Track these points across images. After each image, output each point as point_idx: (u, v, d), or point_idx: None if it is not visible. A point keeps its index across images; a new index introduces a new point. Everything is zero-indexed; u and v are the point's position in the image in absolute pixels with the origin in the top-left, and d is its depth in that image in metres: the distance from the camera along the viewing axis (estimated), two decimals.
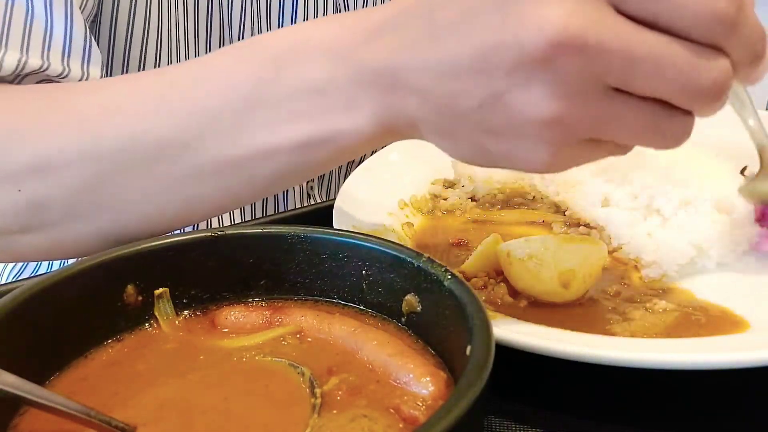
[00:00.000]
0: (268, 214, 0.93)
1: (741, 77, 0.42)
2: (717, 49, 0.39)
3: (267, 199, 0.92)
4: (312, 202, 0.98)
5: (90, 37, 0.67)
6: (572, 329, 0.52)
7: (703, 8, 0.38)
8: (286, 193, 0.94)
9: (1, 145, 0.54)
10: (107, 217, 0.54)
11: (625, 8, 0.38)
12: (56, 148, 0.52)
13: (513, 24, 0.38)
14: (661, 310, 0.56)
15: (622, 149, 0.45)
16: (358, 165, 0.80)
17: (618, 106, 0.40)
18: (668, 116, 0.41)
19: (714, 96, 0.40)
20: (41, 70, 0.62)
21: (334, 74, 0.44)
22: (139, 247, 0.46)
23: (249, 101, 0.46)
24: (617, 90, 0.40)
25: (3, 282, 0.97)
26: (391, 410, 0.38)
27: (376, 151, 0.84)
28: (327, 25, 0.46)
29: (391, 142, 0.48)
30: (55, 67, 0.63)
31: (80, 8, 0.68)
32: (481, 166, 0.48)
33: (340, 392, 0.40)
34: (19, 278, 0.96)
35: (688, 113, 0.42)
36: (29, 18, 0.62)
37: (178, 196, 0.51)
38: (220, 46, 0.85)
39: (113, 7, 0.76)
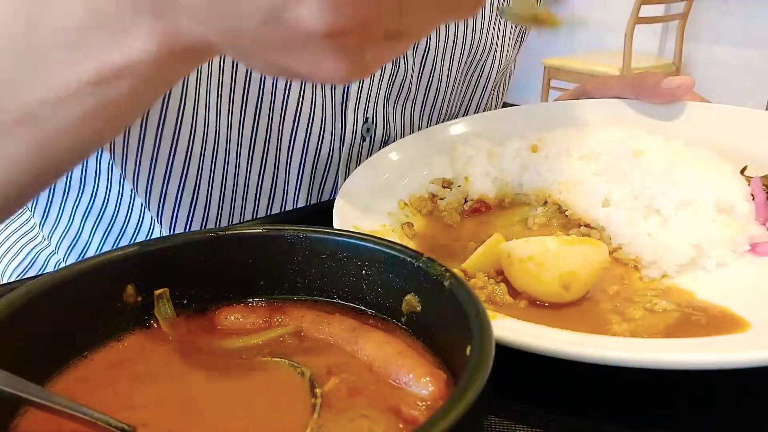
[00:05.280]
0: (268, 214, 0.93)
1: None
2: None
3: (265, 199, 0.93)
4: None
5: None
6: (572, 329, 0.52)
7: None
8: (285, 192, 0.94)
9: None
10: None
11: None
12: None
13: None
14: (661, 310, 0.56)
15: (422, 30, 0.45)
16: (358, 165, 0.80)
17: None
18: None
19: None
20: None
21: (99, 5, 0.42)
22: (139, 247, 0.46)
23: (33, 50, 0.44)
24: None
25: (3, 282, 0.97)
26: (391, 410, 0.38)
27: (375, 151, 0.84)
28: None
29: (193, 64, 0.48)
30: None
31: None
32: (290, 78, 0.47)
33: (340, 392, 0.40)
34: (20, 278, 0.96)
35: None
36: None
37: None
38: (256, 109, 0.84)
39: None
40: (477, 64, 1.01)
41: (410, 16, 0.41)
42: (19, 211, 1.00)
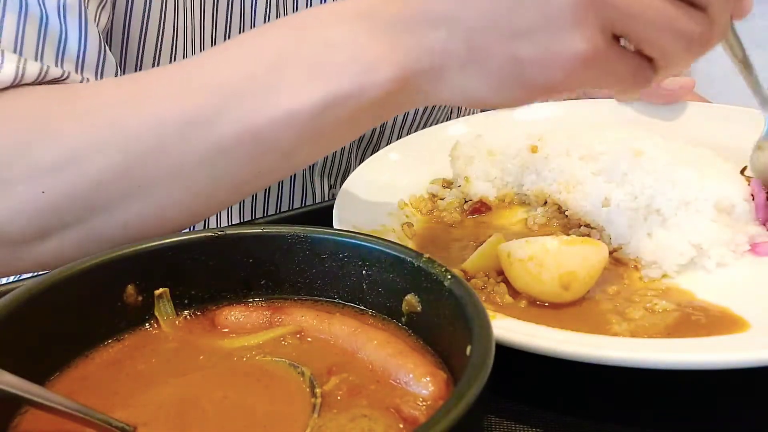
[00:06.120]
0: (268, 214, 0.93)
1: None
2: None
3: (266, 198, 0.93)
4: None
5: (105, 49, 0.66)
6: (572, 329, 0.52)
7: None
8: (292, 191, 0.94)
9: (25, 146, 0.52)
10: (134, 208, 0.53)
11: None
12: (81, 141, 0.52)
13: None
14: (661, 310, 0.56)
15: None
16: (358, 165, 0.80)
17: (615, 50, 0.46)
18: (647, 66, 0.49)
19: (702, 42, 0.49)
20: (62, 78, 0.60)
21: (353, 28, 0.45)
22: (139, 247, 0.46)
23: (269, 68, 0.47)
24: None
25: (3, 282, 0.97)
26: (391, 410, 0.38)
27: (375, 151, 0.84)
28: None
29: (411, 104, 0.49)
30: (74, 77, 0.61)
31: (95, 21, 0.67)
32: (511, 97, 0.49)
33: (340, 392, 0.40)
34: (20, 278, 0.96)
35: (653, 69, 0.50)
36: (44, 28, 0.61)
37: (204, 174, 0.51)
38: None
39: (125, 15, 0.74)
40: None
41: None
42: None
